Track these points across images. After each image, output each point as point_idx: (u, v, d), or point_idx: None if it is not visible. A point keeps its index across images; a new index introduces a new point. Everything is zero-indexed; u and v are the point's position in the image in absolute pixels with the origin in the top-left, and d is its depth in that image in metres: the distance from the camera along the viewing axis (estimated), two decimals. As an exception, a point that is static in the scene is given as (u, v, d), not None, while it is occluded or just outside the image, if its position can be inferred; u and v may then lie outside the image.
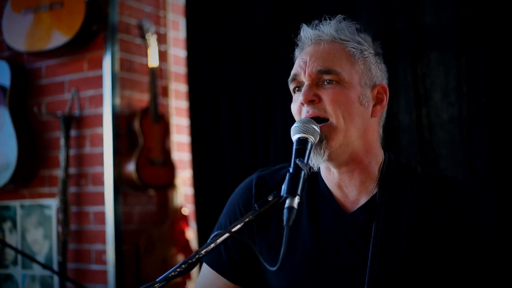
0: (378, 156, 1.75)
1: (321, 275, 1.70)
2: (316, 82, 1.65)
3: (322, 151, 1.59)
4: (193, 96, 4.00)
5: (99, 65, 3.92)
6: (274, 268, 1.26)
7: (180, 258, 4.27)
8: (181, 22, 4.52)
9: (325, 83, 1.65)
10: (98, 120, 3.92)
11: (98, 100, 3.93)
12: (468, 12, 2.99)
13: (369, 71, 1.72)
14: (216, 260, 1.84)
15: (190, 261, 1.37)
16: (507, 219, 2.75)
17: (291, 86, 1.74)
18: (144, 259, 4.00)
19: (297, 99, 1.70)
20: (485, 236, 1.69)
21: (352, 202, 1.73)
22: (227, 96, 3.82)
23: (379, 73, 1.76)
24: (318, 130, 1.57)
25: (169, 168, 4.16)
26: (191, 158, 4.06)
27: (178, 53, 4.52)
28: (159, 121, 4.07)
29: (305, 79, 1.67)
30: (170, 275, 1.36)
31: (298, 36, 1.79)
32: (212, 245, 1.37)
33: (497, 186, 2.81)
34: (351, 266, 1.66)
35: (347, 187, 1.72)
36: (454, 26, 3.08)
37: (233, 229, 1.37)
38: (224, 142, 3.85)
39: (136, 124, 3.96)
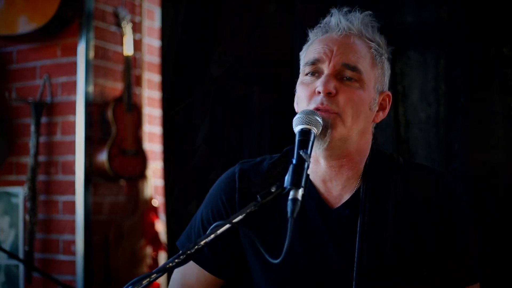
0: (367, 154, 1.75)
1: (308, 271, 1.69)
2: (336, 75, 1.63)
3: (326, 138, 1.57)
4: (166, 87, 3.95)
5: (73, 51, 3.84)
6: (277, 261, 1.24)
7: (149, 250, 4.23)
8: (156, 12, 4.46)
9: (345, 78, 1.63)
10: (70, 107, 3.84)
11: (70, 87, 3.85)
12: (448, 12, 3.02)
13: (383, 77, 1.72)
14: (198, 253, 1.81)
15: (188, 252, 1.34)
16: (482, 220, 2.78)
17: (307, 69, 1.69)
18: (113, 251, 3.94)
19: (310, 83, 1.65)
20: (470, 227, 1.71)
21: (335, 197, 1.71)
22: (202, 88, 3.78)
23: (387, 79, 1.76)
24: (321, 122, 1.55)
25: (141, 158, 4.11)
26: (162, 149, 4.02)
27: (152, 42, 4.47)
28: (132, 110, 4.02)
29: (327, 69, 1.63)
30: (168, 265, 1.33)
31: (326, 19, 1.75)
32: (212, 236, 1.34)
33: (474, 186, 2.85)
34: (338, 262, 1.66)
35: (332, 182, 1.71)
36: (434, 26, 3.10)
37: (235, 220, 1.34)
38: (196, 134, 3.81)
39: (109, 113, 3.90)
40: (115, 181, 4.03)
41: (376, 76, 1.69)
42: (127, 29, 4.01)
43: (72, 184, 3.78)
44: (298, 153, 1.40)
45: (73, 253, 3.75)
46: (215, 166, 3.66)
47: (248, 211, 1.35)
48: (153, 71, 4.44)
